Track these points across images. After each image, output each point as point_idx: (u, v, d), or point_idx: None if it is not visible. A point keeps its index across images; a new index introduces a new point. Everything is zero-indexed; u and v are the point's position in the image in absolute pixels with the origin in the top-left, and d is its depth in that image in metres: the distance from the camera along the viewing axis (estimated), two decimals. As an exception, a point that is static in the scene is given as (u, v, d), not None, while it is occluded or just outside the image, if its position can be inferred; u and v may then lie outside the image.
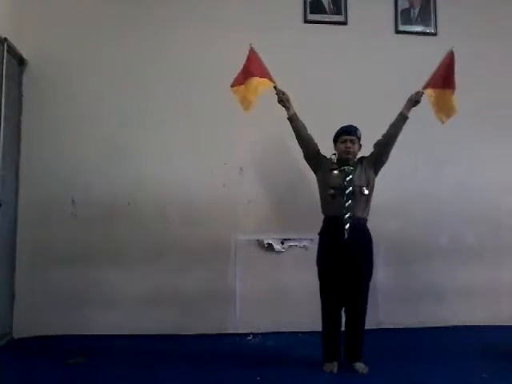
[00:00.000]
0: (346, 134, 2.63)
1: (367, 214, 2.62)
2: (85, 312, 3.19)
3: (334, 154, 2.71)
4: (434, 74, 2.76)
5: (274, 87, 2.74)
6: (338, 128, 2.70)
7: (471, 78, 3.67)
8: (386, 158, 2.67)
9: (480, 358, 2.81)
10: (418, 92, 2.68)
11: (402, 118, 2.64)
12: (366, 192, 2.56)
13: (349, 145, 2.62)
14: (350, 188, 2.54)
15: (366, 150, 2.72)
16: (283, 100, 2.70)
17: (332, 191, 2.56)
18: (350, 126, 2.66)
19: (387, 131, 2.65)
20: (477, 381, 2.50)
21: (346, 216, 2.51)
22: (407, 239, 3.46)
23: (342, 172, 2.59)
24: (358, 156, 2.70)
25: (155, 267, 3.27)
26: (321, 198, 2.69)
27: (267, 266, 3.39)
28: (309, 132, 2.74)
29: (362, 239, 2.57)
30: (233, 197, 3.37)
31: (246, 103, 2.71)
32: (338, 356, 2.61)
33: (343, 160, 2.63)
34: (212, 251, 3.32)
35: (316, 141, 2.76)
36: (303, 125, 2.73)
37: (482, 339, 3.17)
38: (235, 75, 2.97)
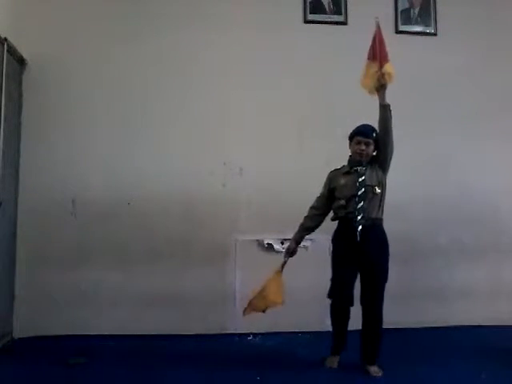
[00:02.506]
0: (362, 136, 2.57)
1: (382, 214, 2.58)
2: (85, 312, 3.18)
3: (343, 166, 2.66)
4: (379, 52, 2.63)
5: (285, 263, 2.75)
6: (355, 127, 2.63)
7: (471, 78, 3.69)
8: (389, 153, 2.58)
9: (480, 358, 2.81)
10: (378, 75, 2.56)
11: (381, 109, 2.55)
12: (378, 191, 2.52)
13: (362, 147, 2.56)
14: (363, 189, 2.50)
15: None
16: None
17: (343, 202, 2.53)
18: (367, 126, 2.59)
19: (378, 128, 2.58)
20: (476, 381, 2.50)
21: (359, 218, 2.47)
22: (407, 239, 3.46)
23: (354, 173, 2.55)
24: None
25: (155, 267, 3.27)
26: (333, 209, 2.64)
27: (267, 265, 3.37)
28: (311, 214, 2.69)
29: (376, 241, 2.53)
30: (233, 197, 3.37)
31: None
32: (340, 351, 2.62)
33: (356, 161, 2.58)
34: (212, 251, 3.33)
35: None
36: (311, 223, 2.69)
37: (482, 339, 3.17)
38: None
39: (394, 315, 3.30)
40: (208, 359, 2.80)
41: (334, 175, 2.66)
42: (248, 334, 3.26)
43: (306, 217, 2.71)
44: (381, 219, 2.58)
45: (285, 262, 2.71)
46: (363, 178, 2.52)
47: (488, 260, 3.55)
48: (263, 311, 2.66)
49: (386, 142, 2.57)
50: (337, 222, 2.64)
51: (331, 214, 2.67)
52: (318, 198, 2.70)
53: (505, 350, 2.96)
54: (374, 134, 2.58)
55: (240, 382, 2.49)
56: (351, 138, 2.64)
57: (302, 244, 3.36)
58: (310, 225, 2.70)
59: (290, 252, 2.74)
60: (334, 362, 2.60)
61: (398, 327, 3.33)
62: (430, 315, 3.43)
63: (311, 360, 2.71)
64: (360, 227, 2.47)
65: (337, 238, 2.62)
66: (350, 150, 2.65)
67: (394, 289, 3.35)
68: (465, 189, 3.59)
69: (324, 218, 2.69)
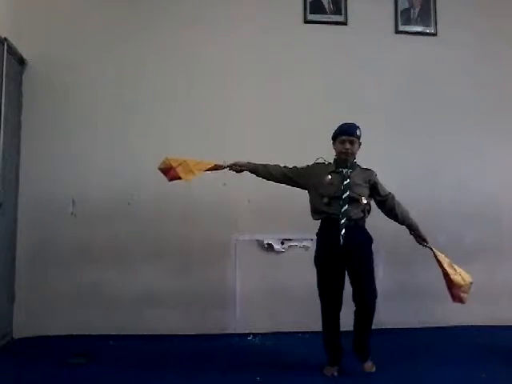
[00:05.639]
0: (346, 135, 2.54)
1: (367, 215, 2.57)
2: (85, 312, 3.18)
3: (321, 158, 2.63)
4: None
5: (227, 167, 2.69)
6: (338, 126, 2.61)
7: (471, 78, 3.69)
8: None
9: (480, 358, 2.81)
10: (426, 244, 2.65)
11: (409, 228, 2.65)
12: (364, 202, 2.50)
13: (347, 146, 2.53)
14: (347, 192, 2.46)
15: (367, 149, 2.68)
16: (237, 170, 2.68)
17: (326, 200, 2.48)
18: (350, 125, 2.57)
19: (395, 210, 2.61)
20: (477, 381, 2.50)
21: (342, 221, 2.44)
22: (407, 239, 3.44)
23: (340, 174, 2.52)
24: (365, 166, 2.62)
25: (155, 267, 3.27)
26: (313, 205, 2.59)
27: (267, 266, 3.39)
28: (274, 165, 2.68)
29: (359, 242, 2.51)
30: (233, 196, 3.37)
31: (189, 175, 2.57)
32: (339, 360, 2.58)
33: (341, 161, 2.56)
34: (212, 251, 3.32)
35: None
36: (265, 169, 2.67)
37: (482, 339, 3.18)
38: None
39: (394, 315, 3.32)
40: (208, 359, 2.81)
41: (319, 169, 2.59)
42: (248, 334, 3.26)
43: (275, 165, 2.67)
44: (363, 220, 2.56)
45: (225, 167, 2.68)
46: (348, 181, 2.49)
47: (488, 260, 3.55)
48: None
49: (381, 207, 2.65)
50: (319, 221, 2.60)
51: (307, 209, 2.63)
52: (294, 169, 2.66)
53: (505, 349, 2.96)
54: (358, 132, 2.56)
55: (240, 383, 2.48)
56: (334, 137, 2.61)
57: (302, 244, 3.39)
58: (270, 171, 2.66)
59: (236, 169, 2.69)
60: (334, 370, 2.56)
61: (398, 327, 3.34)
62: (430, 315, 3.43)
63: (311, 360, 2.71)
64: (343, 230, 2.44)
65: (321, 240, 2.58)
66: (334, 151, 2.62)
67: (395, 289, 3.39)
68: (465, 188, 3.59)
69: (280, 177, 2.66)
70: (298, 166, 2.69)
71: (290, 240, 3.40)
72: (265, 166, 2.68)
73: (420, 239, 2.65)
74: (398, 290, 3.41)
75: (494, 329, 3.36)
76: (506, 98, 3.70)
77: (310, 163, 2.67)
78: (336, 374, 2.54)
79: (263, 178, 2.69)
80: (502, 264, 3.60)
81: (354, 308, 2.56)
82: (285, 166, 2.69)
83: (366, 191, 2.55)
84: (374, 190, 2.61)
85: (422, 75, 3.63)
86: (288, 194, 3.39)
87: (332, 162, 2.62)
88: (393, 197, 2.64)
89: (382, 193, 2.62)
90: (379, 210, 2.68)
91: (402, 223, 2.65)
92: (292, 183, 2.67)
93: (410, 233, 2.67)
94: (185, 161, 2.58)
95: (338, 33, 3.60)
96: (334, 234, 2.46)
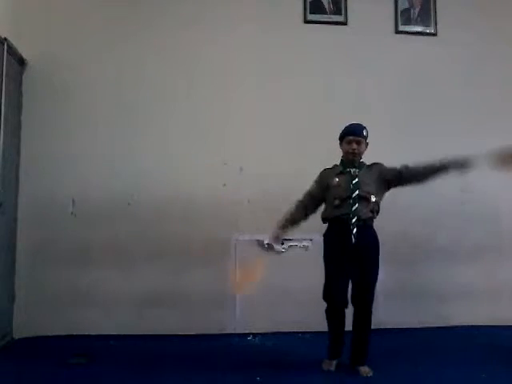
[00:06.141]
0: (352, 135, 2.55)
1: (376, 215, 2.56)
2: (85, 312, 3.19)
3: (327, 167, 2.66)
4: None
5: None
6: (344, 127, 2.61)
7: (471, 78, 3.69)
8: (398, 186, 2.61)
9: (480, 358, 2.80)
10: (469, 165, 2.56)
11: (442, 170, 2.55)
12: (373, 200, 2.49)
13: (354, 146, 2.53)
14: (357, 192, 2.47)
15: (370, 149, 2.68)
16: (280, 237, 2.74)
17: (338, 202, 2.49)
18: (357, 125, 2.57)
19: (417, 171, 2.55)
20: (477, 381, 2.49)
21: (354, 220, 2.44)
22: (407, 239, 3.46)
23: (348, 174, 2.53)
24: (370, 162, 2.62)
25: (155, 267, 3.27)
26: (325, 209, 2.61)
27: (267, 266, 3.39)
28: (302, 201, 2.67)
29: (369, 241, 2.51)
30: (233, 197, 3.37)
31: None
32: (338, 354, 2.59)
33: (348, 161, 2.57)
34: (212, 251, 3.32)
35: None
36: (298, 214, 2.66)
37: (482, 339, 3.17)
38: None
39: (394, 315, 3.32)
40: (208, 359, 2.80)
41: (327, 174, 2.62)
42: (248, 334, 3.26)
43: (301, 201, 2.67)
44: (372, 220, 2.56)
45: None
46: (356, 180, 2.49)
47: (488, 260, 3.55)
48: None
49: (406, 183, 2.59)
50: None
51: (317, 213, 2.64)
52: (313, 189, 2.65)
53: (505, 349, 2.96)
54: (365, 133, 2.57)
55: (240, 382, 2.48)
56: (341, 138, 2.61)
57: (302, 244, 3.40)
58: (303, 214, 2.65)
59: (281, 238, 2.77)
60: (331, 365, 2.57)
61: (398, 327, 3.34)
62: (430, 315, 3.43)
63: (311, 360, 2.70)
64: (355, 229, 2.44)
65: (330, 239, 2.58)
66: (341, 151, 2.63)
67: (395, 289, 3.38)
68: (465, 188, 3.58)
69: (313, 208, 2.65)
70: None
71: (290, 240, 3.40)
72: (297, 209, 2.67)
73: (460, 165, 2.56)
74: (399, 289, 3.40)
75: (494, 329, 3.36)
76: (506, 98, 3.70)
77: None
78: (333, 368, 2.55)
79: (305, 218, 2.67)
80: (502, 264, 3.59)
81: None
82: (304, 197, 2.67)
83: (375, 190, 2.54)
84: (388, 176, 2.58)
85: (422, 75, 3.63)
86: (287, 194, 3.39)
87: (339, 162, 2.63)
88: (406, 166, 2.58)
89: (394, 172, 2.58)
90: (382, 211, 2.66)
91: (432, 175, 2.56)
92: (323, 199, 2.64)
93: (448, 171, 2.55)
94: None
95: (338, 33, 3.60)
96: (346, 233, 2.45)
